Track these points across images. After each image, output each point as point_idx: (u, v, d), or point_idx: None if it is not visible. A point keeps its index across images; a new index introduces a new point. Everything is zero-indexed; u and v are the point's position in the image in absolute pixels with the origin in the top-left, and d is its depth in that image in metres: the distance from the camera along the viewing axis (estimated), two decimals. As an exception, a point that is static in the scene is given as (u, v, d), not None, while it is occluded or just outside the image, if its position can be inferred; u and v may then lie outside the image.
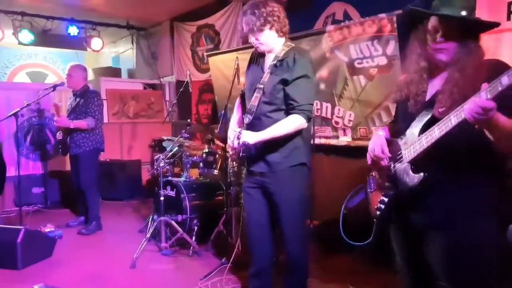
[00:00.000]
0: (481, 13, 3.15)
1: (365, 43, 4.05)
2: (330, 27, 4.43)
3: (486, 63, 1.51)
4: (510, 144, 1.38)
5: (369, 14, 4.02)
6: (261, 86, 2.46)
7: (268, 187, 2.53)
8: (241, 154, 2.43)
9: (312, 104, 2.44)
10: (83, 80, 4.73)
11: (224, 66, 5.76)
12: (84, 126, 4.50)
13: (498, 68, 1.35)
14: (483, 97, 1.26)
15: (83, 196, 4.69)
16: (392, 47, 3.82)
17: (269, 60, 2.51)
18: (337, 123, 4.54)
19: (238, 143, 2.37)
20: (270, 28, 2.42)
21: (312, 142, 4.42)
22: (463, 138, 1.45)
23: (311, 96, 2.44)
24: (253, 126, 2.48)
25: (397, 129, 1.82)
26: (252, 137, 2.36)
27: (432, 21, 1.55)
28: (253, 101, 2.48)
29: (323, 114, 4.65)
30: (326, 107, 4.61)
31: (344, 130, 4.50)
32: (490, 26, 1.54)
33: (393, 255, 1.85)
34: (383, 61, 3.93)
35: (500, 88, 1.23)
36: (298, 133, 2.44)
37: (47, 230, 4.33)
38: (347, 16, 4.53)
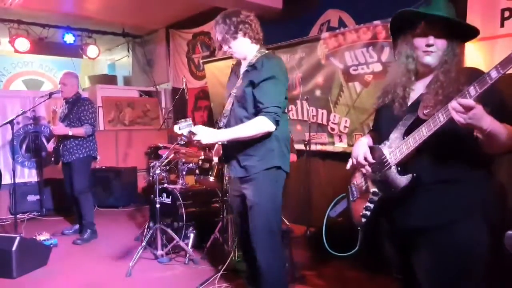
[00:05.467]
0: (474, 20, 3.18)
1: (360, 50, 4.08)
2: (325, 34, 4.46)
3: (466, 70, 1.57)
4: (503, 147, 1.41)
5: (364, 21, 4.05)
6: (234, 91, 2.52)
7: (245, 193, 2.52)
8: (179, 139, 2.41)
9: (280, 107, 2.37)
10: (76, 88, 4.74)
11: (220, 73, 5.78)
12: (82, 133, 4.50)
13: (476, 75, 1.39)
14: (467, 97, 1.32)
15: (77, 203, 4.68)
16: (387, 53, 3.85)
17: (243, 68, 2.55)
18: (332, 129, 4.56)
19: (182, 133, 2.25)
20: (243, 36, 2.48)
21: (308, 148, 4.47)
22: (451, 137, 1.48)
23: (278, 98, 2.37)
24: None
25: (377, 135, 1.84)
26: (208, 138, 2.27)
27: (423, 25, 1.59)
28: (227, 105, 2.56)
29: (319, 121, 4.67)
30: (322, 113, 4.63)
31: (340, 136, 4.52)
32: (472, 32, 1.60)
33: (389, 261, 1.85)
34: (378, 67, 3.96)
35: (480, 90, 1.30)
36: (270, 135, 2.40)
37: (42, 238, 4.31)
38: (342, 23, 4.55)
